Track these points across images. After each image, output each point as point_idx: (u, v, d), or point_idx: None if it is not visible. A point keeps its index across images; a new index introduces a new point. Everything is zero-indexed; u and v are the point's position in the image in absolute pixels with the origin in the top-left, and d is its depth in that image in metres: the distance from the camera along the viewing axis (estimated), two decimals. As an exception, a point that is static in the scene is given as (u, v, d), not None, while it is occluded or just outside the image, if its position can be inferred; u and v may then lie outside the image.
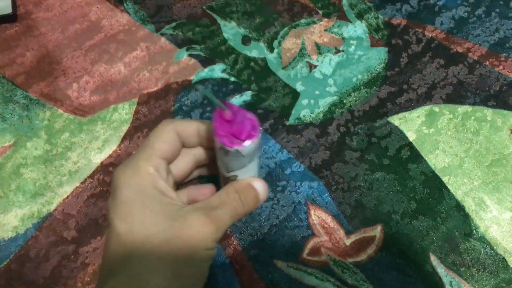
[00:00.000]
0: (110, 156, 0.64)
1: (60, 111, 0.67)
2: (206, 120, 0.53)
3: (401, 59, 0.71)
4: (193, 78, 0.70)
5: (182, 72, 0.70)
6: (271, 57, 0.72)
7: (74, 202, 0.61)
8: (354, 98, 0.68)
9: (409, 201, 0.61)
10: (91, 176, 0.62)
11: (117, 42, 0.72)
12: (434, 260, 0.58)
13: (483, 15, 0.75)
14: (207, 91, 0.44)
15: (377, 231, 0.60)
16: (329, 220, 0.60)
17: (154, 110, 0.67)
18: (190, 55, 0.72)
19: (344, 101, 0.68)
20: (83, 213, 0.60)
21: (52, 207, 0.60)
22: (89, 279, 0.57)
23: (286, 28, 0.74)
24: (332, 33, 0.74)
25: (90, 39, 0.73)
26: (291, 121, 0.67)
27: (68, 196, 0.61)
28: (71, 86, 0.69)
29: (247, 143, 0.46)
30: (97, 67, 0.70)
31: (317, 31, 0.74)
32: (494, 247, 0.58)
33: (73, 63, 0.70)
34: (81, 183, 0.62)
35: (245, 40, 0.73)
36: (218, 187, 0.57)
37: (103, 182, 0.62)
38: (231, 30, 0.74)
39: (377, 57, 0.72)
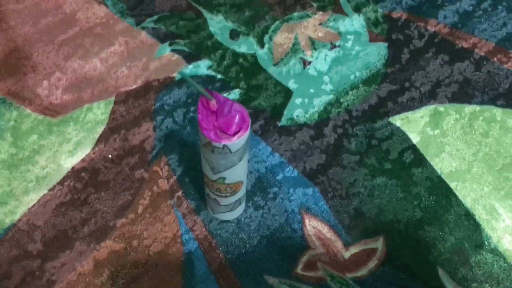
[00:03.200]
0: (83, 160, 0.57)
1: (28, 110, 0.60)
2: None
3: (402, 55, 0.66)
4: (176, 75, 0.64)
5: (164, 69, 0.64)
6: (261, 52, 0.66)
7: (41, 211, 0.54)
8: (352, 97, 0.63)
9: (414, 209, 0.55)
10: (61, 182, 0.56)
11: (93, 36, 0.66)
12: (442, 274, 0.52)
13: (489, 9, 0.70)
14: (189, 77, 0.38)
15: (379, 243, 0.54)
16: (325, 230, 0.54)
17: (132, 109, 0.61)
18: (173, 51, 0.66)
19: (341, 100, 0.62)
20: (50, 224, 0.54)
21: (16, 217, 0.54)
22: (55, 298, 0.50)
23: (277, 22, 0.68)
24: (327, 27, 0.68)
25: (64, 33, 0.66)
26: (283, 121, 0.61)
27: (34, 204, 0.55)
28: (41, 84, 0.62)
29: (237, 137, 0.40)
30: (70, 63, 0.64)
31: (311, 25, 0.68)
32: (508, 260, 0.53)
33: (44, 59, 0.64)
34: (50, 190, 0.56)
35: (233, 35, 0.67)
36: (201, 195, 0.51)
37: (74, 189, 0.56)
38: (218, 24, 0.68)
39: (376, 53, 0.66)
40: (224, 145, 0.40)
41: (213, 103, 0.40)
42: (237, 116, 0.40)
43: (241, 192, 0.50)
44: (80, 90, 0.62)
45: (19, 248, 0.52)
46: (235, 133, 0.40)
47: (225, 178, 0.45)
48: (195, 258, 0.52)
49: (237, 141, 0.40)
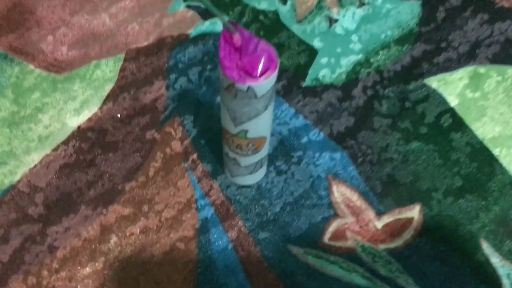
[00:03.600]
0: (89, 119, 0.53)
1: (31, 66, 0.56)
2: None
3: (437, 14, 0.60)
4: (191, 32, 0.59)
5: (178, 25, 0.59)
6: (283, 9, 0.61)
7: (43, 172, 0.50)
8: (383, 57, 0.57)
9: (453, 177, 0.50)
10: (66, 142, 0.51)
11: (102, -9, 0.61)
12: (486, 248, 0.47)
13: (532, -34, 0.64)
14: (208, 1, 0.32)
15: (415, 212, 0.48)
16: (355, 198, 0.49)
17: (144, 67, 0.56)
18: (188, 7, 0.61)
19: (371, 60, 0.57)
20: (53, 186, 0.49)
21: (16, 178, 0.49)
22: (58, 266, 0.46)
23: (301, -22, 0.63)
24: (355, -16, 0.62)
25: (71, -13, 0.62)
26: (307, 82, 0.56)
27: (36, 165, 0.50)
28: (45, 39, 0.58)
29: (264, 78, 0.35)
30: (77, 18, 0.59)
31: (338, -19, 0.63)
32: (560, 233, 0.47)
33: (49, 13, 0.59)
34: (53, 150, 0.51)
35: (253, -9, 0.62)
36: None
37: (80, 150, 0.51)
38: (236, -20, 0.63)
39: (409, 11, 0.61)
40: (249, 87, 0.35)
41: (236, 37, 0.34)
42: (263, 56, 0.35)
43: (264, 152, 0.45)
44: (87, 46, 0.57)
45: (18, 211, 0.48)
46: (262, 75, 0.35)
47: (247, 132, 0.40)
48: (212, 225, 0.47)
49: (264, 83, 0.35)
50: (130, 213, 0.48)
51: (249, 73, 0.35)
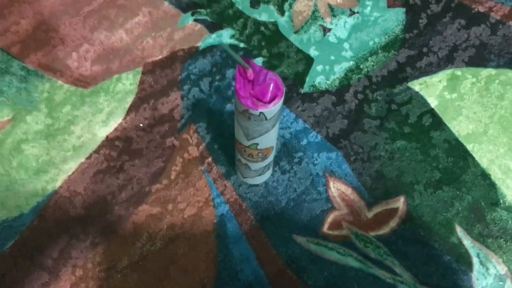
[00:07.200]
0: (115, 129, 0.60)
1: (60, 82, 0.63)
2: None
3: (419, 20, 0.67)
4: (200, 44, 0.66)
5: (188, 39, 0.66)
6: (282, 20, 0.67)
7: (80, 178, 0.58)
8: (372, 63, 0.65)
9: (433, 171, 0.58)
10: (97, 151, 0.59)
11: (117, 7, 0.68)
12: (460, 231, 0.55)
13: (505, -28, 0.70)
14: (228, 47, 0.40)
15: (399, 203, 0.57)
16: (349, 192, 0.57)
17: (160, 79, 0.63)
18: (196, 20, 0.67)
19: (361, 66, 0.64)
20: (90, 190, 0.57)
21: (57, 184, 0.57)
22: (100, 259, 0.54)
23: (297, -11, 0.70)
24: (346, -7, 0.69)
25: (88, 4, 0.68)
26: (305, 88, 0.63)
27: (73, 172, 0.58)
28: (70, 56, 0.64)
29: (272, 105, 0.43)
30: (97, 35, 0.66)
31: (330, -8, 0.69)
32: (522, 217, 0.56)
33: (71, 31, 0.66)
34: (86, 158, 0.59)
35: (254, 3, 0.69)
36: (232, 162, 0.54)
37: (110, 157, 0.58)
38: (238, -7, 0.69)
39: (395, 18, 0.68)
40: (260, 113, 0.42)
41: (250, 72, 0.42)
42: (271, 85, 0.42)
43: (271, 158, 0.53)
44: (108, 61, 0.64)
45: (62, 213, 0.56)
46: (270, 101, 0.43)
47: (258, 144, 0.48)
48: (227, 220, 0.56)
49: (273, 108, 0.43)
50: (158, 212, 0.56)
51: (260, 99, 0.43)
